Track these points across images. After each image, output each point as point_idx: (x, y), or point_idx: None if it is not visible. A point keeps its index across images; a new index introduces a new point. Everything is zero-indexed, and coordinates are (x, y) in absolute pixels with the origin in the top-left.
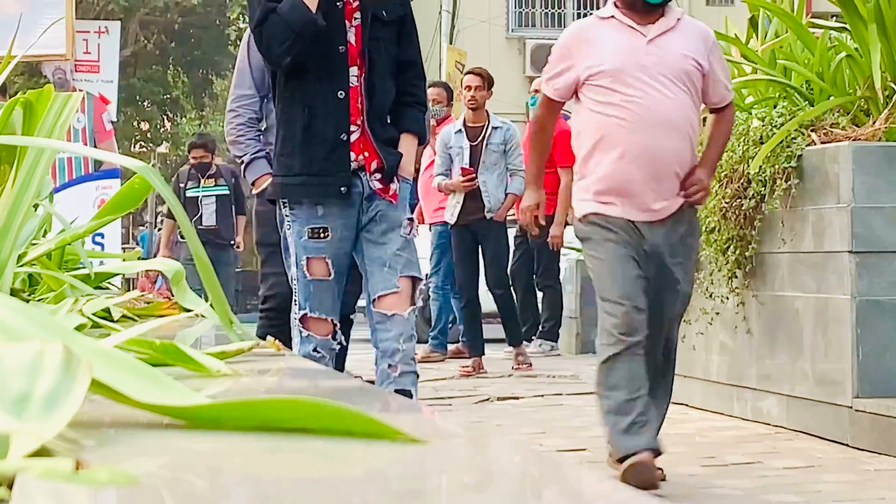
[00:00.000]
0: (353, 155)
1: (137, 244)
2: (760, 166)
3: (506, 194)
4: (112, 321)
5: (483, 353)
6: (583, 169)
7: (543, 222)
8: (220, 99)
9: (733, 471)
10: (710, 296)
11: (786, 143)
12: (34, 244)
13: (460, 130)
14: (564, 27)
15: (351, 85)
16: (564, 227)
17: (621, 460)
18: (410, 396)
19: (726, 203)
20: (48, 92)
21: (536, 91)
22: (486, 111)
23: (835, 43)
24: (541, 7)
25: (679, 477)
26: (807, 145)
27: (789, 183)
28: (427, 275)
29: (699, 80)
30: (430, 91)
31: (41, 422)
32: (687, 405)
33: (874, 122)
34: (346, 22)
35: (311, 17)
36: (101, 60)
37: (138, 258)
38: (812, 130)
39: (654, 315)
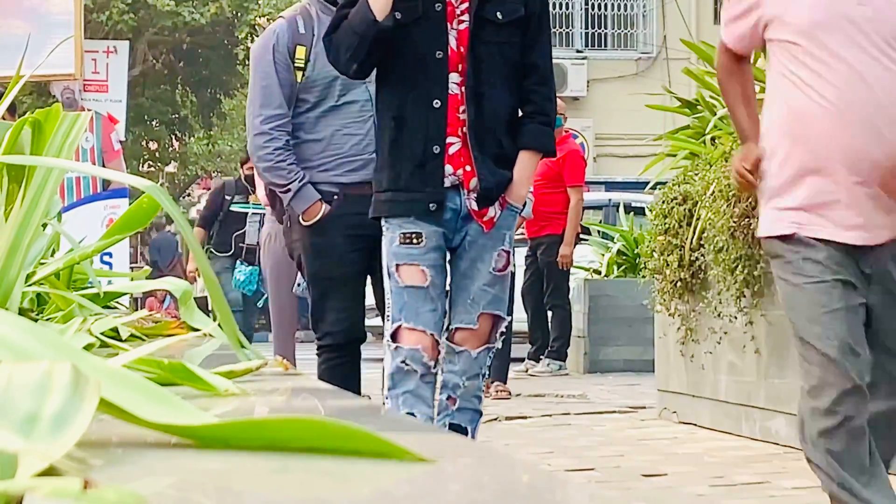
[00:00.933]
0: (450, 169)
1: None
2: None
3: None
4: (120, 340)
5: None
6: (772, 164)
7: (752, 177)
8: (229, 118)
9: (742, 490)
10: (719, 315)
11: None
12: (42, 263)
13: None
14: (572, 47)
15: (450, 93)
16: (574, 246)
17: None
18: (465, 433)
19: (734, 222)
20: (57, 111)
21: None
22: None
23: None
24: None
25: (687, 497)
26: None
27: None
28: None
29: None
30: None
31: (49, 441)
32: (695, 425)
33: None
34: (448, 25)
35: (370, 18)
36: (109, 80)
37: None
38: None
39: (880, 362)
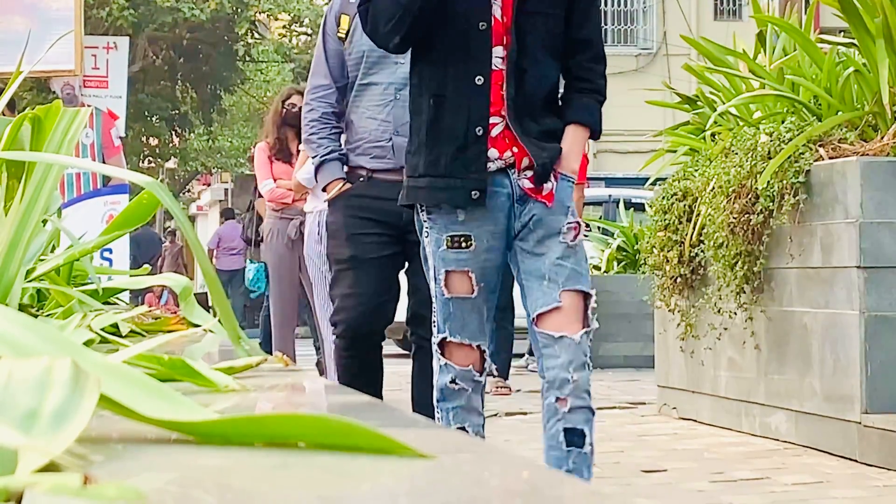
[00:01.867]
0: (496, 152)
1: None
2: (768, 181)
3: None
4: (120, 336)
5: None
6: None
7: None
8: (229, 114)
9: (742, 486)
10: (719, 311)
11: (794, 159)
12: (42, 260)
13: None
14: None
15: (493, 68)
16: None
17: None
18: (583, 438)
19: (734, 218)
20: (57, 107)
21: None
22: None
23: (843, 58)
24: None
25: (687, 493)
26: (815, 160)
27: (797, 198)
28: None
29: None
30: None
31: (49, 437)
32: (695, 420)
33: (882, 138)
34: None
35: None
36: (109, 76)
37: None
38: (820, 146)
39: None
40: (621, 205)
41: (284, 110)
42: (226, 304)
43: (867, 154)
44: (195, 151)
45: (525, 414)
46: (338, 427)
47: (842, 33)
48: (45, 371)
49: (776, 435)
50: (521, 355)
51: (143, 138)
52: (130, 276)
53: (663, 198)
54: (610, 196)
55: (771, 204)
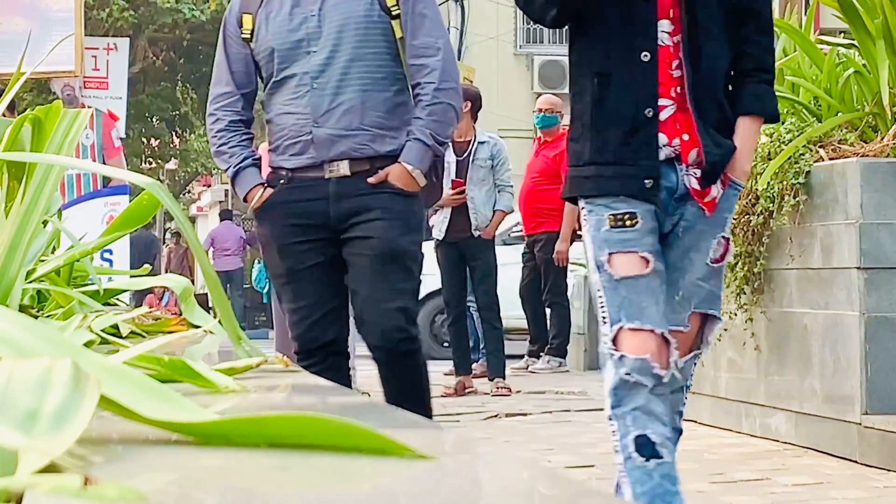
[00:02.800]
0: (664, 138)
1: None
2: (768, 182)
3: (494, 211)
4: (121, 337)
5: (469, 373)
6: None
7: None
8: None
9: (742, 487)
10: None
11: (794, 160)
12: (43, 260)
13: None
14: None
15: (660, 44)
16: (570, 243)
17: None
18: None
19: (734, 219)
20: (57, 108)
21: (541, 110)
22: (474, 127)
23: (843, 59)
24: None
25: (687, 494)
26: (815, 161)
27: (797, 199)
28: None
29: None
30: None
31: (50, 438)
32: (695, 421)
33: (882, 139)
34: None
35: None
36: (109, 77)
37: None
38: (820, 147)
39: None
40: None
41: None
42: (226, 305)
43: (867, 155)
44: (195, 152)
45: (525, 415)
46: (338, 428)
47: (842, 34)
48: (45, 372)
49: (776, 436)
50: (521, 356)
51: (144, 139)
52: (131, 276)
53: None
54: None
55: (771, 205)
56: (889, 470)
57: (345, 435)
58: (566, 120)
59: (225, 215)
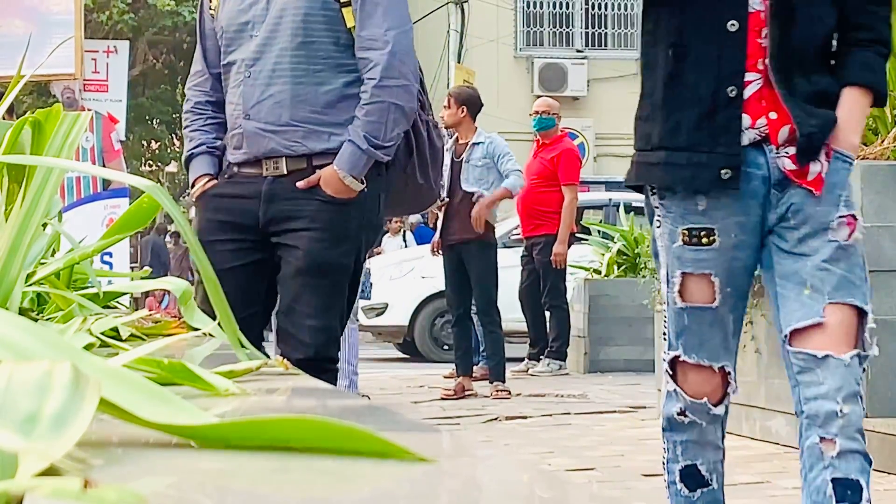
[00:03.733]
0: (748, 119)
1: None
2: None
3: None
4: (120, 340)
5: (470, 375)
6: None
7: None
8: None
9: (742, 490)
10: None
11: None
12: (43, 263)
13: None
14: (572, 46)
15: (749, 10)
16: (569, 245)
17: None
18: (858, 492)
19: None
20: (57, 111)
21: (538, 112)
22: (475, 129)
23: None
24: (549, 26)
25: None
26: None
27: None
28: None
29: None
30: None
31: (49, 441)
32: None
33: (882, 141)
34: None
35: None
36: (109, 80)
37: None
38: None
39: None
40: (622, 208)
41: None
42: (226, 308)
43: (867, 158)
44: None
45: (525, 418)
46: (338, 431)
47: None
48: (45, 375)
49: (776, 439)
50: (521, 359)
51: (144, 142)
52: (131, 279)
53: None
54: (610, 200)
55: None
56: (890, 473)
57: (345, 438)
58: (563, 123)
59: None
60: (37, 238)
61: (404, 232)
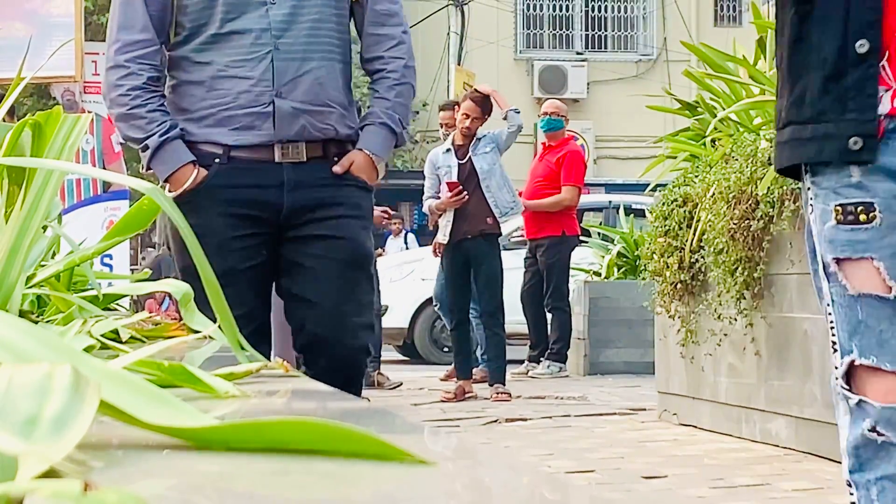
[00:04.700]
0: (890, 76)
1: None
2: (769, 187)
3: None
4: (120, 342)
5: (470, 378)
6: None
7: None
8: None
9: (742, 493)
10: (719, 317)
11: None
12: (43, 266)
13: (449, 150)
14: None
15: None
16: (572, 248)
17: None
18: None
19: (734, 224)
20: (57, 113)
21: (546, 113)
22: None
23: None
24: (549, 29)
25: (687, 499)
26: None
27: (797, 204)
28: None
29: None
30: (440, 115)
31: (50, 443)
32: (695, 427)
33: None
34: None
35: None
36: None
37: None
38: None
39: None
40: (621, 211)
41: None
42: (226, 310)
43: None
44: None
45: (525, 420)
46: (338, 433)
47: None
48: (45, 377)
49: (776, 441)
50: (521, 361)
51: None
52: (131, 281)
53: (663, 204)
54: (610, 202)
55: (771, 210)
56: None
57: (345, 440)
58: (570, 125)
59: None
60: (37, 240)
61: (405, 234)
